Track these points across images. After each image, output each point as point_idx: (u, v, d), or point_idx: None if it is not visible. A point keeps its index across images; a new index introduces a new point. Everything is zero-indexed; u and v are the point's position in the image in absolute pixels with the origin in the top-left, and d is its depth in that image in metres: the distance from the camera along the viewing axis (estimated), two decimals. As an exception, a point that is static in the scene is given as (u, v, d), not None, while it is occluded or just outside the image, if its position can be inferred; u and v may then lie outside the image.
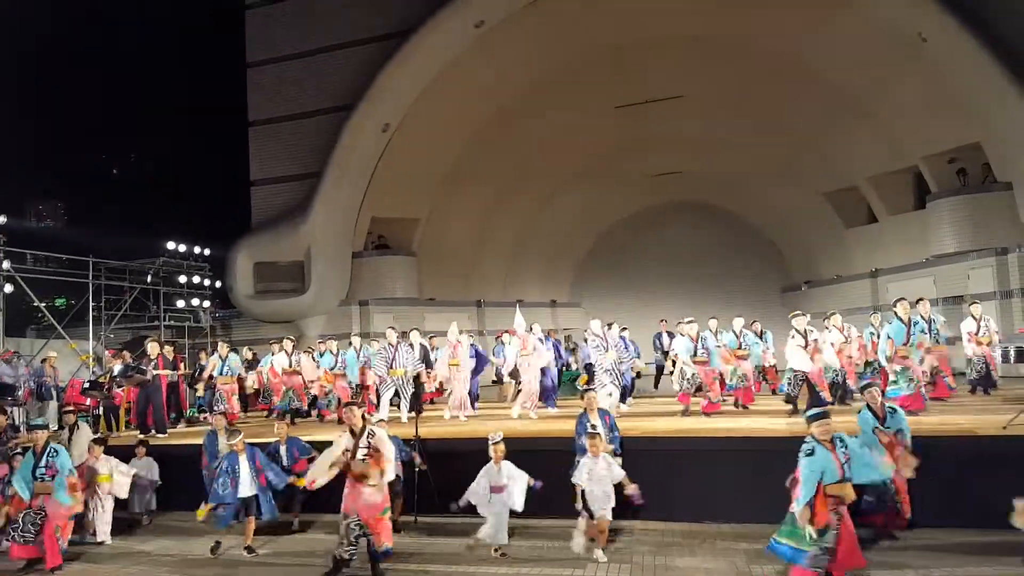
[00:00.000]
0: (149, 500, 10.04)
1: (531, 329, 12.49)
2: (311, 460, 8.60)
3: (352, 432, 7.20)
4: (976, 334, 11.94)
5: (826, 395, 10.60)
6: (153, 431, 12.01)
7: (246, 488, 8.17)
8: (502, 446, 7.69)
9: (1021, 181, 15.50)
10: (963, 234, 16.89)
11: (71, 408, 10.43)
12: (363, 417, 7.35)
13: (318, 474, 7.20)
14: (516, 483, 7.63)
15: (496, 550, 7.56)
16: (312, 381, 13.39)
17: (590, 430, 7.74)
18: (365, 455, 7.05)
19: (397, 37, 19.17)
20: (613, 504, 7.41)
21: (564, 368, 15.30)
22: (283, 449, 9.15)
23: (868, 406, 7.31)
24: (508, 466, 7.68)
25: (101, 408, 13.38)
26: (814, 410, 6.10)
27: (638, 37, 19.05)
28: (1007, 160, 15.88)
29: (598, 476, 7.37)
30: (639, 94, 20.84)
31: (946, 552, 6.88)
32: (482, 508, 7.65)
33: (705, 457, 8.69)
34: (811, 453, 5.80)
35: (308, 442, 9.44)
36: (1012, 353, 10.69)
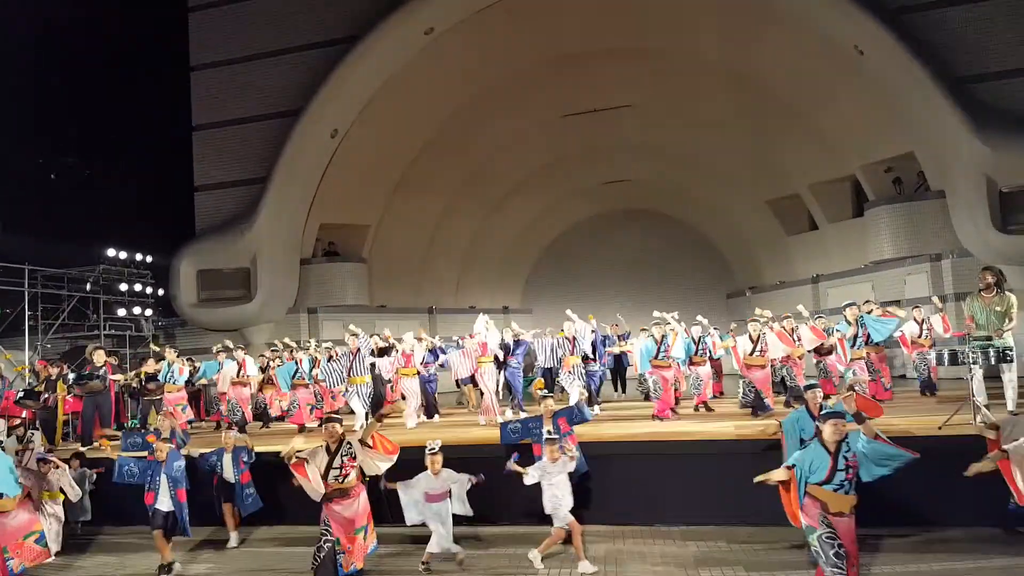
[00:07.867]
0: (84, 509, 9.79)
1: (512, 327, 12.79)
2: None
3: (328, 449, 6.88)
4: (920, 337, 12.30)
5: (770, 401, 10.80)
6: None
7: (164, 502, 7.90)
8: (440, 456, 7.51)
9: (953, 189, 16.10)
10: (899, 241, 17.44)
11: (20, 420, 9.96)
12: (343, 434, 7.01)
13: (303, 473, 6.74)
14: (457, 488, 7.56)
15: (457, 559, 7.38)
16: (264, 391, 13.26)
17: (547, 435, 7.62)
18: (339, 474, 6.83)
19: (346, 42, 18.98)
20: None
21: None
22: (228, 458, 8.95)
23: (807, 407, 7.00)
24: (447, 473, 7.53)
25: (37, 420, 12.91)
26: (828, 409, 6.12)
27: (586, 47, 19.28)
28: (940, 169, 16.46)
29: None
30: (587, 103, 21.10)
31: (887, 552, 7.09)
32: (420, 518, 7.50)
33: (655, 461, 8.78)
34: (806, 444, 5.89)
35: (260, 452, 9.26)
36: (946, 356, 11.06)
